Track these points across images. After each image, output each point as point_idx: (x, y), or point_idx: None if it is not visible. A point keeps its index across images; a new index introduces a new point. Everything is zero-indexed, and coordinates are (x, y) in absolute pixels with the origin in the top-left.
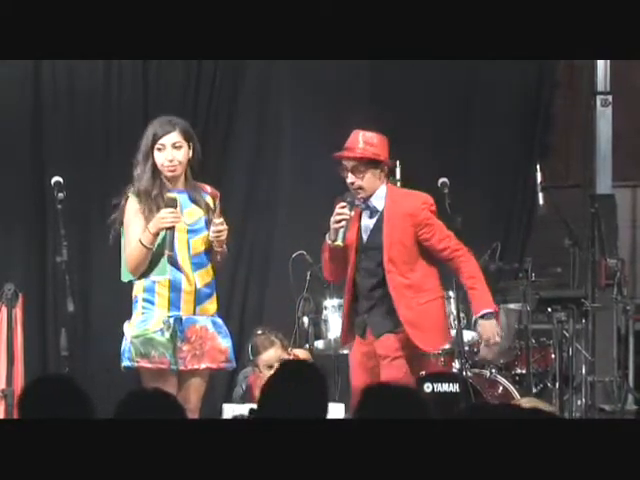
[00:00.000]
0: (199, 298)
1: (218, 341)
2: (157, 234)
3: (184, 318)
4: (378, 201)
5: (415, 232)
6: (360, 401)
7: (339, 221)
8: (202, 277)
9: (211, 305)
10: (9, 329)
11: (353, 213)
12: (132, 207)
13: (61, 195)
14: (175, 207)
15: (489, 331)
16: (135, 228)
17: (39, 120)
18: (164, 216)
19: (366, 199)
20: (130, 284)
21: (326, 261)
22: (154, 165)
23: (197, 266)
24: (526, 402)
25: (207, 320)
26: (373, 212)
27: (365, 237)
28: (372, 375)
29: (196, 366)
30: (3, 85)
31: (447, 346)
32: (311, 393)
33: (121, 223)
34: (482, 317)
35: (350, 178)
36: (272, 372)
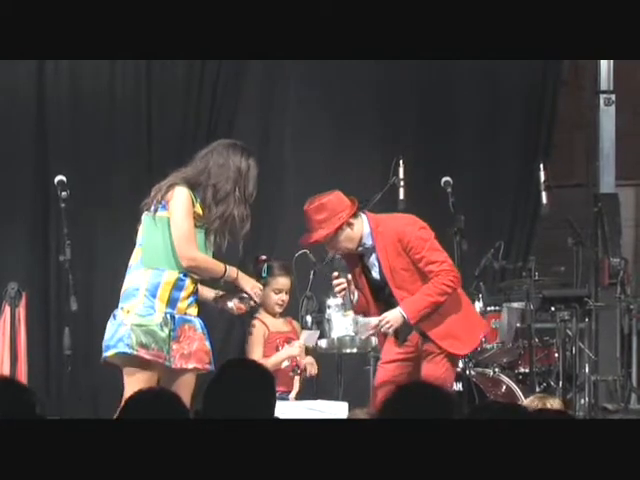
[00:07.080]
0: (194, 299)
1: (205, 342)
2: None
3: (177, 317)
4: (368, 239)
5: (407, 254)
6: (393, 397)
7: (340, 291)
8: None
9: (197, 307)
10: (12, 328)
11: (350, 276)
12: (186, 197)
13: (64, 194)
14: None
15: (391, 317)
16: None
17: (43, 119)
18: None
19: (358, 245)
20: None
21: None
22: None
23: None
24: (533, 400)
25: (196, 320)
26: (370, 249)
27: (374, 273)
28: (402, 376)
29: (184, 366)
30: (7, 85)
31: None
32: (257, 392)
33: (158, 205)
34: (400, 308)
35: (330, 253)
36: (279, 298)
